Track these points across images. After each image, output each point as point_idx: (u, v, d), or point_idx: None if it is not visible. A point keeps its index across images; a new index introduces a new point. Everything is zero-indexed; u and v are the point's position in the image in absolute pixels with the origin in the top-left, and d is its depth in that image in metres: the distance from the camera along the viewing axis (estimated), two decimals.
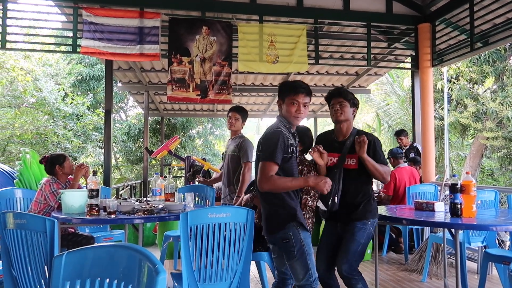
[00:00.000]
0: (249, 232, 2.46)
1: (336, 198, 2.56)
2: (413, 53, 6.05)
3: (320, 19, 5.70)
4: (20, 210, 3.77)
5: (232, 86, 5.40)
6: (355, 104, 2.71)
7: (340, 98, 2.67)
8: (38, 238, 2.18)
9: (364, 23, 5.85)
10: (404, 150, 6.24)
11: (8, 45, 5.04)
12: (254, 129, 26.97)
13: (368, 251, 4.84)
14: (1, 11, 4.87)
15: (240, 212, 2.46)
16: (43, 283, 2.20)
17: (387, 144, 17.11)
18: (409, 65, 6.70)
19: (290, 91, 2.38)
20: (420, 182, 5.38)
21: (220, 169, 7.49)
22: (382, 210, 3.15)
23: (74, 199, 2.98)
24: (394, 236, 5.28)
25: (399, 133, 6.53)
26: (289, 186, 2.26)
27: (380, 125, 17.61)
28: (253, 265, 3.95)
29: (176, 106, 10.77)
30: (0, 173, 4.50)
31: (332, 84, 9.23)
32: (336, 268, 2.60)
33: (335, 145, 2.70)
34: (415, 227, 4.88)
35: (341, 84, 9.25)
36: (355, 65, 7.43)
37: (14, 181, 4.30)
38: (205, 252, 2.38)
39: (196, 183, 4.74)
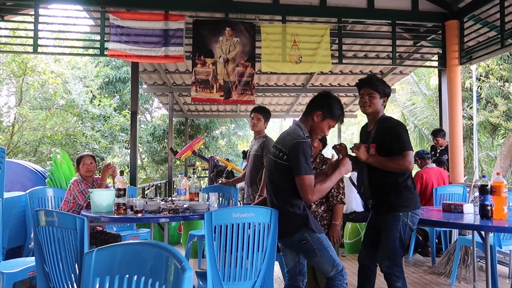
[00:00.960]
0: (272, 232, 2.46)
1: (361, 187, 2.63)
2: (440, 51, 5.91)
3: (344, 18, 5.65)
4: (51, 209, 3.90)
5: (255, 86, 5.41)
6: (385, 94, 2.65)
7: (370, 89, 2.61)
8: (68, 235, 2.25)
9: (389, 21, 5.75)
10: (439, 151, 6.04)
11: (39, 49, 5.23)
12: (277, 130, 26.92)
13: None
14: (33, 17, 5.06)
15: (263, 212, 2.46)
16: (73, 279, 2.27)
17: (413, 144, 16.73)
18: (436, 63, 6.55)
19: (337, 117, 2.39)
20: (449, 183, 5.25)
21: (243, 169, 7.53)
22: None
23: (102, 198, 3.06)
24: (420, 238, 5.17)
25: (437, 133, 6.10)
26: (330, 185, 2.29)
27: (406, 125, 17.26)
28: (276, 265, 3.96)
29: (200, 107, 10.89)
30: (32, 173, 4.67)
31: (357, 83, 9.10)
32: (378, 261, 2.62)
33: (366, 135, 2.72)
34: (443, 229, 4.77)
35: None
36: (380, 64, 7.32)
37: (46, 180, 4.44)
38: (229, 252, 2.40)
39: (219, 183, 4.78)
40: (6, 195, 3.76)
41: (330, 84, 8.99)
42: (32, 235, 3.88)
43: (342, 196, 3.00)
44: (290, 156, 2.24)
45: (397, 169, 2.50)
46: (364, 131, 2.79)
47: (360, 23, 6.08)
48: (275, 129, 26.04)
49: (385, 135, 2.54)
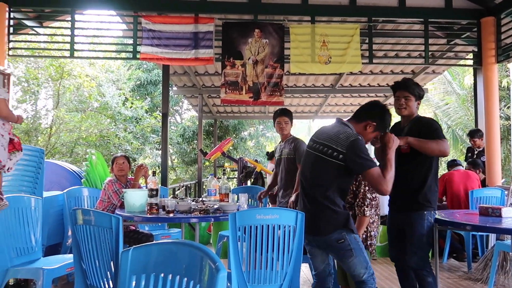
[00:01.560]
0: (299, 234, 2.45)
1: None
2: (476, 49, 5.71)
3: (374, 17, 5.55)
4: (87, 208, 4.04)
5: (284, 87, 5.41)
6: (420, 97, 2.70)
7: (406, 92, 2.65)
8: (104, 233, 2.33)
9: (421, 20, 5.61)
10: (476, 152, 5.81)
11: (75, 54, 5.43)
12: (306, 131, 26.76)
13: None
14: (70, 23, 5.26)
15: (288, 215, 2.45)
16: (109, 276, 2.35)
17: None
18: (471, 62, 6.33)
19: (388, 128, 2.44)
20: (483, 186, 5.05)
21: (271, 171, 7.52)
22: (442, 214, 3.00)
23: (136, 198, 3.14)
24: (455, 243, 5.01)
25: (474, 134, 5.75)
26: (393, 167, 2.26)
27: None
28: (306, 267, 3.94)
29: (229, 108, 10.99)
30: (69, 173, 4.85)
31: (387, 84, 8.93)
32: (406, 260, 2.62)
33: (398, 132, 2.69)
34: (480, 233, 4.59)
35: None
36: (411, 63, 7.15)
37: (82, 180, 4.61)
38: (254, 253, 2.40)
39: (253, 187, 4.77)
40: (45, 194, 3.93)
41: (359, 84, 8.86)
42: (69, 233, 4.04)
43: (366, 208, 2.88)
44: (348, 156, 2.19)
45: (437, 150, 2.53)
46: (395, 129, 2.79)
47: (391, 22, 5.96)
48: (303, 130, 25.88)
49: (422, 128, 2.59)
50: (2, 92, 2.16)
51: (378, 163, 2.41)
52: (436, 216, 2.70)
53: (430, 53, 5.81)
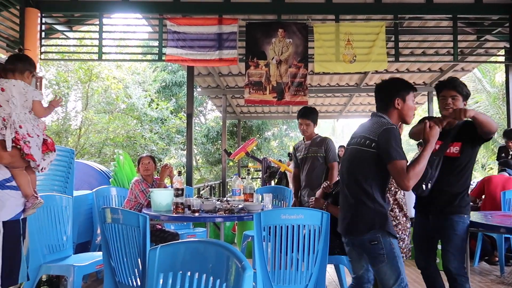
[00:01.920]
0: (324, 235, 2.42)
1: (429, 184, 2.45)
2: (507, 45, 5.50)
3: (400, 15, 5.44)
4: (115, 207, 4.14)
5: (308, 87, 5.38)
6: (467, 96, 2.57)
7: (453, 91, 2.52)
8: (132, 232, 2.38)
9: (449, 16, 5.45)
10: (511, 153, 5.58)
11: (103, 57, 5.57)
12: (330, 130, 26.54)
13: None
14: (98, 26, 5.41)
15: (314, 215, 2.43)
16: (137, 274, 2.39)
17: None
18: (502, 58, 6.11)
19: (411, 89, 2.27)
20: None
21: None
22: (474, 216, 2.91)
23: (162, 198, 3.19)
24: (487, 245, 4.84)
25: (509, 134, 5.31)
26: (425, 164, 2.12)
27: None
28: (332, 268, 3.90)
29: (252, 108, 11.02)
30: (98, 173, 4.99)
31: (414, 83, 8.74)
32: (443, 265, 2.53)
33: (443, 137, 2.54)
34: None
35: (424, 82, 8.72)
36: (440, 61, 6.96)
37: (110, 180, 4.73)
38: (279, 253, 2.40)
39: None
40: (75, 193, 4.05)
41: None
42: (98, 231, 4.15)
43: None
44: (379, 143, 2.10)
45: (494, 128, 2.44)
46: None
47: (418, 19, 5.82)
48: (327, 129, 25.68)
49: (471, 129, 2.48)
50: (37, 94, 2.25)
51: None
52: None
53: (459, 50, 5.65)
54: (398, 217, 2.71)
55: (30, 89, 2.23)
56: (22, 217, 2.20)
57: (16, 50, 4.98)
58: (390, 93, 2.25)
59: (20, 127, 2.12)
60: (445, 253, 2.50)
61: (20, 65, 2.24)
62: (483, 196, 4.85)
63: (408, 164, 2.10)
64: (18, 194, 2.18)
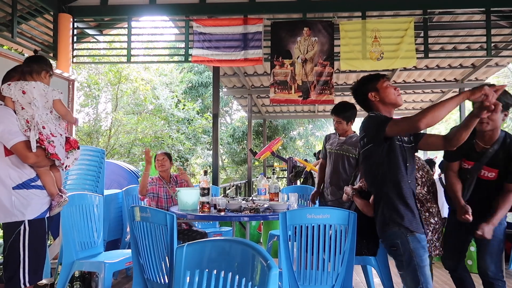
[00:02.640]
0: (351, 234, 2.39)
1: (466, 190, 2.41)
2: None
3: (430, 9, 5.29)
4: (144, 205, 4.23)
5: (334, 85, 5.32)
6: (508, 107, 2.35)
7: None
8: (160, 230, 2.42)
9: (482, 9, 5.26)
10: None
11: (132, 59, 5.70)
12: (356, 130, 26.11)
13: None
14: (127, 30, 5.54)
15: (340, 214, 2.40)
16: (164, 271, 2.44)
17: None
18: None
19: (377, 77, 2.21)
20: None
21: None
22: (511, 217, 2.80)
23: (188, 197, 3.24)
24: None
25: None
26: (445, 109, 1.82)
27: (503, 124, 15.63)
28: (360, 269, 3.84)
29: (278, 108, 10.99)
30: (127, 172, 5.12)
31: (444, 79, 8.48)
32: (480, 269, 2.45)
33: (472, 154, 2.41)
34: None
35: (455, 79, 8.45)
36: (472, 56, 6.72)
37: (138, 179, 4.84)
38: (305, 253, 2.38)
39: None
40: (106, 192, 4.17)
41: (414, 80, 8.49)
42: (128, 229, 4.25)
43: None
44: (364, 131, 2.11)
45: None
46: (468, 143, 2.17)
47: (449, 13, 5.64)
48: (356, 128, 25.27)
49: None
50: (57, 94, 2.30)
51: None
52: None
53: (492, 44, 5.44)
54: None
55: (50, 90, 2.28)
56: (47, 215, 2.27)
57: (42, 53, 5.18)
58: (362, 93, 2.23)
59: (44, 127, 2.18)
60: (481, 256, 2.41)
61: (36, 66, 2.27)
62: None
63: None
64: (43, 193, 2.25)
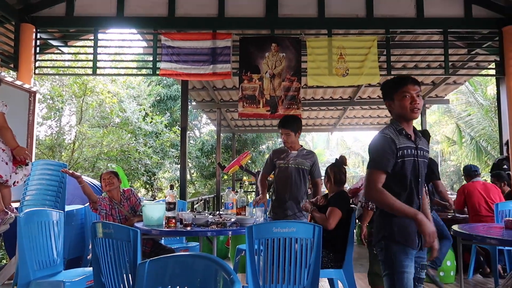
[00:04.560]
0: (316, 248, 2.41)
1: None
2: (498, 59, 5.59)
3: (392, 29, 5.53)
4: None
5: (301, 100, 5.41)
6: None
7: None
8: (123, 246, 2.35)
9: (440, 30, 5.55)
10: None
11: (98, 71, 5.59)
12: (324, 144, 26.59)
13: (452, 272, 4.47)
14: (93, 41, 5.44)
15: (306, 228, 2.42)
16: None
17: (470, 157, 15.82)
18: (493, 72, 6.21)
19: (398, 85, 2.10)
20: (507, 199, 4.88)
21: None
22: (467, 228, 2.91)
23: (154, 212, 3.17)
24: (481, 258, 4.83)
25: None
26: (392, 207, 1.94)
27: (461, 137, 16.40)
28: (326, 283, 3.86)
29: (247, 122, 11.05)
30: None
31: None
32: None
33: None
34: (507, 248, 4.42)
35: None
36: (432, 74, 7.05)
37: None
38: (271, 266, 2.38)
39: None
40: (67, 208, 4.01)
41: (378, 96, 8.78)
42: (90, 247, 4.09)
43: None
44: (369, 153, 2.10)
45: None
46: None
47: (410, 33, 5.92)
48: (322, 143, 25.73)
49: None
50: (0, 106, 2.18)
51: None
52: (460, 230, 2.61)
53: (450, 63, 5.73)
54: None
55: None
56: None
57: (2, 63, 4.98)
58: (383, 98, 2.20)
59: None
60: None
61: None
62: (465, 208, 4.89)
63: (386, 190, 1.96)
64: None
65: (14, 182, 2.18)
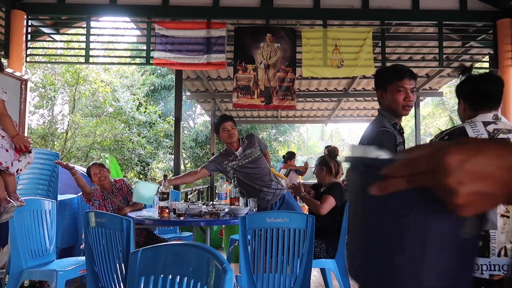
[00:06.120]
0: (309, 238, 2.43)
1: None
2: (492, 52, 5.61)
3: (387, 21, 5.52)
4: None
5: (296, 91, 5.40)
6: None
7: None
8: (116, 236, 2.35)
9: (435, 22, 5.55)
10: None
11: (91, 60, 5.53)
12: (318, 135, 26.65)
13: None
14: (86, 29, 5.37)
15: (299, 218, 2.44)
16: (120, 279, 2.36)
17: None
18: (487, 65, 6.23)
19: (394, 77, 1.96)
20: None
21: (284, 174, 7.48)
22: None
23: (146, 190, 3.15)
24: None
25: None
26: None
27: None
28: (318, 272, 3.91)
29: (241, 113, 11.01)
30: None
31: None
32: None
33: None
34: None
35: None
36: (426, 66, 7.06)
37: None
38: (264, 256, 2.40)
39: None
40: (60, 197, 4.00)
41: (373, 88, 8.76)
42: (83, 236, 4.09)
43: None
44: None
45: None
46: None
47: (405, 25, 5.91)
48: (316, 135, 25.77)
49: None
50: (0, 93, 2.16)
51: None
52: None
53: (444, 56, 5.74)
54: None
55: None
56: None
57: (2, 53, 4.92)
58: (375, 85, 2.07)
59: None
60: None
61: None
62: None
63: None
64: None
65: (18, 170, 2.16)
